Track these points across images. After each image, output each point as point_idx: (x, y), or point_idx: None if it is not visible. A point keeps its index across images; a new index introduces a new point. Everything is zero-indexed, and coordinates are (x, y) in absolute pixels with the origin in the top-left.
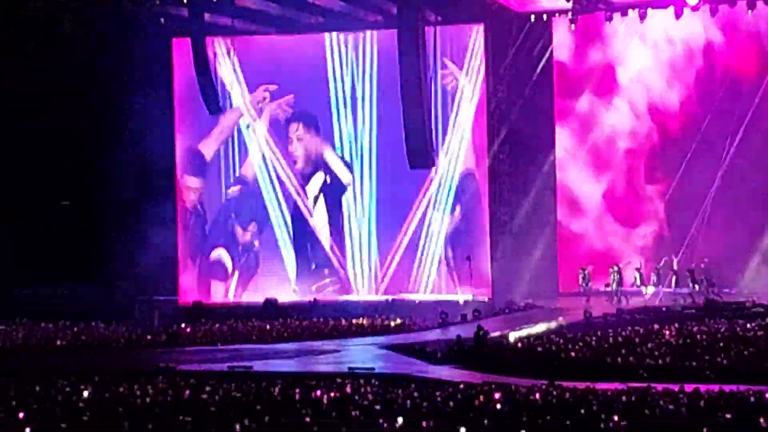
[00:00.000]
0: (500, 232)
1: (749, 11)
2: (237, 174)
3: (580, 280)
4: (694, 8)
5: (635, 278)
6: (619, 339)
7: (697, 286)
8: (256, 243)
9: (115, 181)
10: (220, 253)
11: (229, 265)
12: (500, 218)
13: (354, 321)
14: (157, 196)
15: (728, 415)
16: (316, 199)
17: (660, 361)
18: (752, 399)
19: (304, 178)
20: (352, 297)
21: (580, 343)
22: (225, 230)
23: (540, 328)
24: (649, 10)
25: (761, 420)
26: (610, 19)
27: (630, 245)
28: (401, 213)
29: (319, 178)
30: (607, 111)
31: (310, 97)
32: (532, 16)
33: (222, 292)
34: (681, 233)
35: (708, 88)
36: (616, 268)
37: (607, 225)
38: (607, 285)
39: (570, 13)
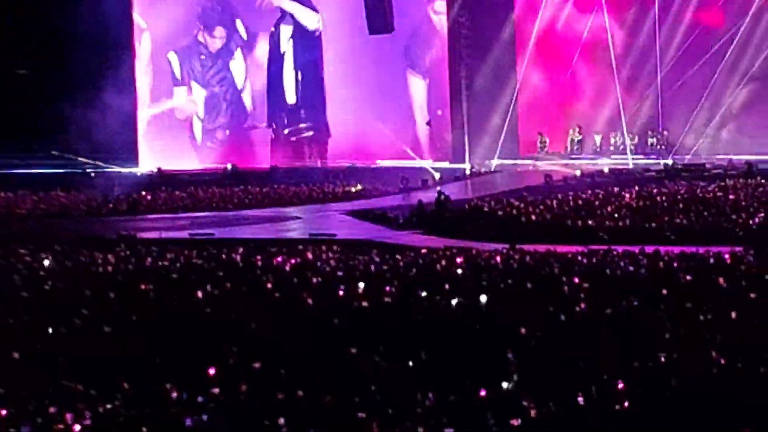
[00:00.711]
0: (460, 97)
1: None
2: None
3: (539, 144)
4: None
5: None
6: (579, 202)
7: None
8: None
9: (71, 47)
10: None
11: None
12: (460, 82)
13: (315, 187)
14: (114, 62)
15: (688, 276)
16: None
17: (620, 223)
18: (711, 260)
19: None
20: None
21: (541, 207)
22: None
23: None
24: None
25: (720, 280)
26: None
27: (587, 108)
28: (364, 76)
29: (286, 30)
30: None
31: None
32: None
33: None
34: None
35: None
36: (576, 130)
37: (562, 91)
38: (566, 149)
39: None
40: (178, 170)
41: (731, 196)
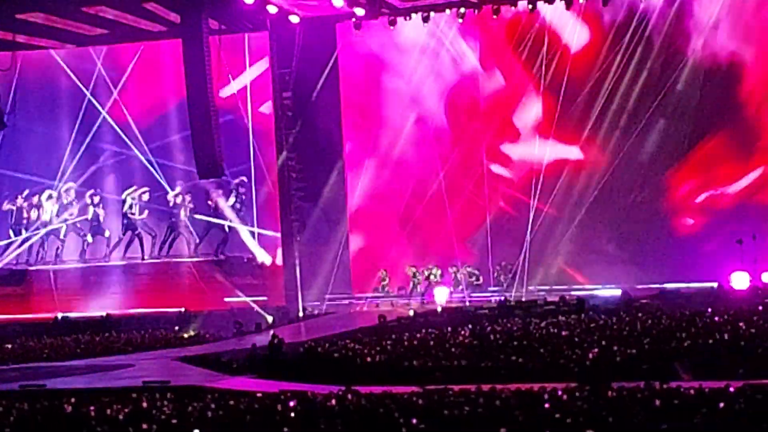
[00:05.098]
0: (292, 240)
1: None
2: None
3: (381, 282)
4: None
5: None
6: (414, 342)
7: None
8: None
9: None
10: None
11: None
12: (291, 225)
13: (147, 334)
14: None
15: (524, 414)
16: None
17: (455, 362)
18: (546, 396)
19: None
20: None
21: (377, 347)
22: None
23: None
24: (432, 13)
25: (556, 416)
26: (393, 23)
27: (426, 245)
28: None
29: None
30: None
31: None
32: (317, 21)
33: None
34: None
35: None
36: (413, 270)
37: (395, 229)
38: (400, 288)
39: (354, 18)
40: (8, 319)
41: (564, 333)
